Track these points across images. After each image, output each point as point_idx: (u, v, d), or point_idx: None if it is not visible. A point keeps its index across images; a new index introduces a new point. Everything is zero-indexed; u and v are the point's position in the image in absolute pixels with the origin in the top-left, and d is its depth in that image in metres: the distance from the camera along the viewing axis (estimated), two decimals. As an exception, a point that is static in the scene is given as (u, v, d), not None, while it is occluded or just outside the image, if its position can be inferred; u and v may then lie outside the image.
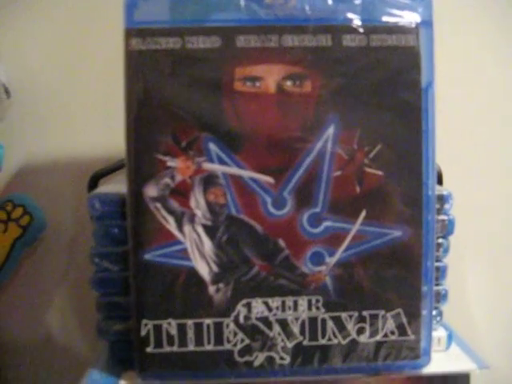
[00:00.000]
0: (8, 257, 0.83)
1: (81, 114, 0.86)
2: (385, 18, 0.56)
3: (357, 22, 0.55)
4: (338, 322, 0.57)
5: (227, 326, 0.57)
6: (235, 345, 0.57)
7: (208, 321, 0.57)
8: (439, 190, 0.60)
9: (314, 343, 0.58)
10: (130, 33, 0.55)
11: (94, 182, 0.73)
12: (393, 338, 0.58)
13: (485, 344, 0.69)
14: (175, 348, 0.57)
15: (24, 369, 0.90)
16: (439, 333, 0.62)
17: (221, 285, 0.56)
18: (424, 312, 0.58)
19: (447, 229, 0.61)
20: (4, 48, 0.82)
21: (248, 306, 0.57)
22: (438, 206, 0.59)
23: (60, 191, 0.87)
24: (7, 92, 0.78)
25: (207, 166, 0.55)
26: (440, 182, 0.71)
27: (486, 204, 0.86)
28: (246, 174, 0.55)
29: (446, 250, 0.61)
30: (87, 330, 0.89)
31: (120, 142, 0.74)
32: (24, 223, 0.83)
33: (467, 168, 0.85)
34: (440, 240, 0.60)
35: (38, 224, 0.84)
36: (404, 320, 0.57)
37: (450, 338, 0.63)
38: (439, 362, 0.60)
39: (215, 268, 0.56)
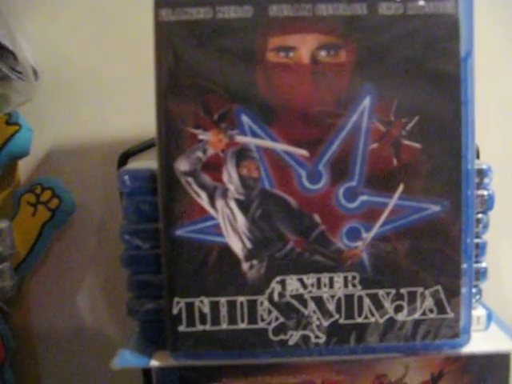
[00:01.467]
0: (37, 240, 0.82)
1: (109, 95, 0.84)
2: (422, -14, 0.53)
3: (393, -11, 0.53)
4: (375, 299, 0.56)
5: (261, 303, 0.55)
6: (269, 323, 0.56)
7: (241, 298, 0.55)
8: (478, 163, 0.58)
9: (350, 321, 0.56)
10: (160, 3, 0.53)
11: (123, 160, 0.72)
12: (431, 316, 0.56)
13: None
14: (208, 327, 0.56)
15: (55, 350, 0.89)
16: (478, 312, 0.61)
17: (254, 261, 0.55)
18: (463, 290, 0.56)
19: (487, 204, 0.59)
20: (31, 29, 0.81)
21: (282, 283, 0.55)
22: (477, 180, 0.57)
23: (89, 173, 0.86)
24: (35, 73, 0.77)
25: (240, 138, 0.53)
26: (477, 156, 0.69)
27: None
28: (280, 146, 0.54)
29: (486, 226, 0.59)
30: (117, 312, 0.89)
31: (149, 124, 0.73)
32: (53, 206, 0.82)
33: (505, 142, 0.83)
34: (479, 215, 0.58)
35: (67, 207, 0.83)
36: (443, 298, 0.56)
37: (489, 317, 0.61)
38: (478, 342, 0.59)
39: (249, 244, 0.54)
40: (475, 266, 0.58)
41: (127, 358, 0.57)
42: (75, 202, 0.83)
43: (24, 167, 0.85)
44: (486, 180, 0.58)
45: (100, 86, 0.84)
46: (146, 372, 0.71)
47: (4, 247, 0.71)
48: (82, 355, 0.90)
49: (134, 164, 0.61)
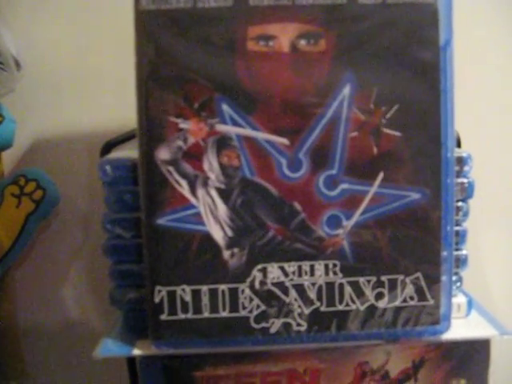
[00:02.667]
0: (22, 232, 0.82)
1: (92, 86, 0.84)
2: (401, -26, 0.53)
3: (372, -22, 0.53)
4: (356, 287, 0.56)
5: (242, 291, 0.56)
6: (251, 311, 0.56)
7: (223, 287, 0.55)
8: (458, 152, 0.58)
9: (331, 309, 0.56)
10: (140, -8, 0.53)
11: (106, 150, 0.72)
12: (412, 303, 0.56)
13: (500, 311, 0.67)
14: (190, 315, 0.56)
15: (40, 341, 0.90)
16: (459, 299, 0.61)
17: (235, 249, 0.55)
18: (444, 277, 0.56)
19: (467, 192, 0.59)
20: (14, 20, 0.81)
21: (264, 270, 0.55)
22: (457, 168, 0.57)
23: (72, 165, 0.86)
24: (17, 64, 0.76)
25: (220, 127, 0.54)
26: (458, 144, 0.70)
27: (504, 167, 0.84)
28: (260, 135, 0.54)
29: (466, 214, 0.60)
30: (102, 303, 0.88)
31: (132, 114, 0.73)
32: (37, 197, 0.82)
33: (485, 130, 0.83)
34: (459, 203, 0.59)
35: (52, 198, 0.82)
36: (423, 285, 0.56)
37: (470, 304, 0.61)
38: (459, 329, 0.59)
39: (230, 232, 0.55)
40: (455, 253, 0.58)
41: (110, 348, 0.58)
42: (59, 194, 0.83)
43: (7, 158, 0.85)
44: (465, 168, 0.59)
45: (83, 77, 0.84)
46: (131, 362, 0.72)
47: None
48: (68, 346, 0.91)
49: (115, 154, 0.61)
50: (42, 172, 0.82)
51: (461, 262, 0.60)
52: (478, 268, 0.64)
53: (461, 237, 0.60)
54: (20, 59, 0.77)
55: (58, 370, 0.91)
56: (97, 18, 0.83)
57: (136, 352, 0.57)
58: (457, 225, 0.59)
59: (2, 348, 0.83)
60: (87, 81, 0.85)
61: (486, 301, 0.65)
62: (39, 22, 0.83)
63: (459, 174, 0.58)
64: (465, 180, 0.59)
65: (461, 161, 0.58)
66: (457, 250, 0.59)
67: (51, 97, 0.85)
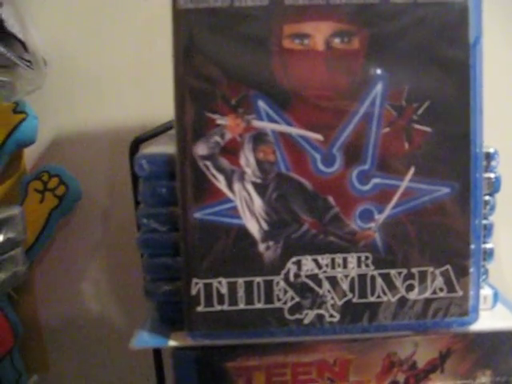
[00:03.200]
0: (45, 227, 0.83)
1: (114, 83, 0.86)
2: (431, -26, 0.55)
3: (404, -23, 0.54)
4: (387, 279, 0.57)
5: (277, 283, 0.57)
6: (285, 303, 0.57)
7: (258, 279, 0.57)
8: (485, 147, 0.59)
9: (363, 300, 0.58)
10: (178, -9, 0.54)
11: (134, 147, 0.73)
12: (441, 294, 0.58)
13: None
14: (225, 307, 0.57)
15: (61, 336, 0.91)
16: (485, 291, 0.63)
17: (271, 242, 0.56)
18: (472, 269, 0.58)
19: (494, 186, 0.60)
20: (39, 17, 0.82)
21: (298, 263, 0.57)
22: (484, 163, 0.59)
23: (94, 161, 0.87)
24: (44, 62, 0.78)
25: (257, 123, 0.55)
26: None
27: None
28: (295, 131, 0.55)
29: (493, 208, 0.61)
30: (122, 298, 0.90)
31: (155, 111, 0.74)
32: (60, 193, 0.83)
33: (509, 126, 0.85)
34: (486, 197, 0.60)
35: (74, 194, 0.84)
36: (452, 277, 0.58)
37: (495, 296, 0.63)
38: (485, 320, 0.60)
39: (265, 226, 0.56)
40: (483, 246, 0.60)
41: (145, 339, 0.59)
42: (81, 189, 0.84)
43: (30, 155, 0.86)
44: (493, 163, 0.60)
45: (104, 73, 0.86)
46: (157, 354, 0.73)
47: (17, 233, 0.72)
48: (89, 340, 0.92)
49: (150, 149, 0.62)
50: (63, 168, 0.83)
51: (487, 254, 0.61)
52: (498, 261, 0.65)
53: (487, 230, 0.61)
54: (46, 57, 0.78)
55: (79, 363, 0.91)
56: (122, 14, 0.83)
57: (172, 343, 0.58)
58: (484, 218, 0.60)
59: (24, 341, 0.84)
60: (108, 77, 0.86)
61: (505, 294, 0.66)
62: (62, 19, 0.84)
63: (486, 168, 0.60)
64: (492, 175, 0.60)
65: (488, 156, 0.60)
66: (483, 243, 0.60)
67: (73, 93, 0.86)
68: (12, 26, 0.75)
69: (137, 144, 0.74)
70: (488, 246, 0.62)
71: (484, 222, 0.60)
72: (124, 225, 0.86)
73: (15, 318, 0.81)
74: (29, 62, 0.77)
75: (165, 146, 0.61)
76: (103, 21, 0.85)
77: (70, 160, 0.86)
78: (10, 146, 0.81)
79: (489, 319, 0.61)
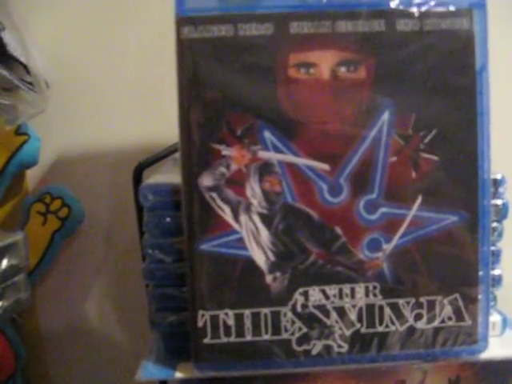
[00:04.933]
0: (47, 249, 0.82)
1: (117, 104, 0.85)
2: (437, 2, 0.54)
3: (410, 6, 0.54)
4: (396, 308, 0.57)
5: (284, 314, 0.56)
6: (293, 334, 0.57)
7: (265, 310, 0.56)
8: (493, 173, 0.59)
9: (371, 330, 0.57)
10: (182, 21, 0.54)
11: (138, 173, 0.73)
12: (450, 323, 0.57)
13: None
14: (232, 338, 0.57)
15: (63, 357, 0.90)
16: (493, 317, 0.62)
17: (278, 273, 0.56)
18: (481, 297, 0.57)
19: (501, 213, 0.60)
20: (41, 38, 0.81)
21: (305, 294, 0.56)
22: (492, 189, 0.58)
23: (96, 182, 0.87)
24: (46, 84, 0.77)
25: (263, 154, 0.55)
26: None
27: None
28: (302, 161, 0.55)
29: (500, 234, 0.61)
30: (125, 319, 0.90)
31: (156, 132, 0.74)
32: (63, 215, 0.83)
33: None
34: (494, 224, 0.60)
35: (77, 216, 0.83)
36: (461, 305, 0.57)
37: (504, 322, 0.62)
38: (494, 347, 0.60)
39: (272, 257, 0.55)
40: (491, 273, 0.59)
41: (151, 371, 0.58)
42: (84, 211, 0.84)
43: (32, 176, 0.85)
44: (500, 189, 0.60)
45: (107, 95, 0.85)
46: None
47: (20, 259, 0.71)
48: (91, 360, 0.91)
49: (154, 178, 0.62)
50: (66, 189, 0.83)
51: (495, 281, 0.61)
52: (506, 286, 0.64)
53: (495, 256, 0.60)
54: (48, 79, 0.77)
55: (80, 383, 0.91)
56: (124, 37, 0.83)
57: (178, 375, 0.57)
58: (492, 245, 0.59)
59: (27, 363, 0.83)
60: (109, 98, 0.85)
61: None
62: (65, 41, 0.83)
63: (494, 195, 0.59)
64: (499, 201, 0.60)
65: (495, 182, 0.59)
66: (491, 269, 0.60)
67: (75, 115, 0.85)
68: (14, 49, 0.75)
69: (140, 169, 0.73)
70: (496, 272, 0.61)
71: (492, 248, 0.60)
72: (126, 246, 0.85)
73: (18, 341, 0.81)
74: (31, 84, 0.76)
75: (169, 175, 0.61)
76: (106, 43, 0.84)
77: (73, 181, 0.86)
78: (12, 168, 0.81)
79: (498, 346, 0.61)
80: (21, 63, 0.76)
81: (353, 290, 0.56)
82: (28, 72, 0.76)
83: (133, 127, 0.85)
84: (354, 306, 0.57)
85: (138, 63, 0.83)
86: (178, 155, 0.57)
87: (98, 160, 0.86)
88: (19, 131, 0.81)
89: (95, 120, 0.86)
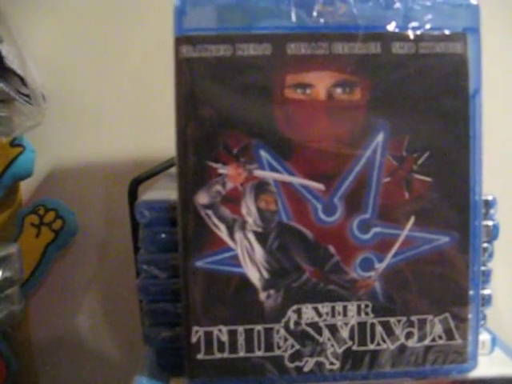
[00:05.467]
0: (41, 261, 0.83)
1: (112, 118, 0.86)
2: (432, 25, 0.55)
3: (406, 29, 0.55)
4: (387, 326, 0.58)
5: (277, 331, 0.57)
6: (285, 350, 0.57)
7: (258, 327, 0.57)
8: (484, 195, 0.60)
9: (363, 348, 0.58)
10: (181, 40, 0.55)
11: (134, 187, 0.73)
12: (440, 342, 0.58)
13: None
14: (226, 354, 0.57)
15: (55, 370, 0.90)
16: (483, 336, 0.63)
17: (271, 291, 0.56)
18: (471, 316, 0.58)
19: (492, 234, 0.61)
20: (38, 51, 0.82)
21: (298, 311, 0.57)
22: (483, 211, 0.59)
23: (90, 195, 0.87)
24: (43, 97, 0.78)
25: (258, 173, 0.55)
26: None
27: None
28: (297, 180, 0.55)
29: (491, 255, 0.62)
30: (117, 333, 0.90)
31: (151, 146, 0.75)
32: (56, 227, 0.83)
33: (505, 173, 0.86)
34: (485, 244, 0.61)
35: (70, 228, 0.84)
36: (451, 324, 0.58)
37: (493, 341, 0.63)
38: (484, 366, 0.61)
39: (266, 274, 0.56)
40: (481, 292, 0.60)
41: (145, 386, 0.59)
42: (78, 224, 0.84)
43: (26, 188, 0.86)
44: (491, 211, 0.61)
45: (103, 109, 0.86)
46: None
47: (14, 272, 0.72)
48: (83, 373, 0.91)
49: (150, 194, 0.63)
50: (60, 202, 0.83)
51: (485, 300, 0.62)
52: (496, 306, 0.65)
53: (486, 276, 0.61)
54: (44, 92, 0.78)
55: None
56: (119, 50, 0.84)
57: (172, 390, 0.58)
58: (482, 265, 0.60)
59: (18, 374, 0.83)
60: (106, 112, 0.86)
61: (503, 338, 0.66)
62: (62, 55, 0.84)
63: (485, 216, 0.60)
64: (490, 222, 0.61)
65: (487, 204, 0.60)
66: (482, 289, 0.61)
67: (71, 127, 0.86)
68: (11, 61, 0.75)
69: (136, 184, 0.73)
70: (486, 291, 0.62)
71: (482, 268, 0.61)
72: (120, 260, 0.86)
73: (9, 352, 0.81)
74: (27, 96, 0.76)
75: (165, 191, 0.61)
76: (104, 58, 0.85)
77: (67, 194, 0.86)
78: (6, 180, 0.82)
79: (487, 365, 0.62)
80: (18, 75, 0.76)
81: (345, 308, 0.57)
82: (25, 84, 0.76)
83: (128, 141, 0.86)
84: (346, 324, 0.57)
85: (135, 78, 0.84)
86: (173, 170, 0.57)
87: (93, 173, 0.86)
88: (14, 143, 0.81)
89: (91, 133, 0.86)
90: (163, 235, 0.59)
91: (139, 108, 0.84)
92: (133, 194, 0.73)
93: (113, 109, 0.86)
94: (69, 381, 0.91)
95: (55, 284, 0.89)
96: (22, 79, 0.77)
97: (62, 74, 0.85)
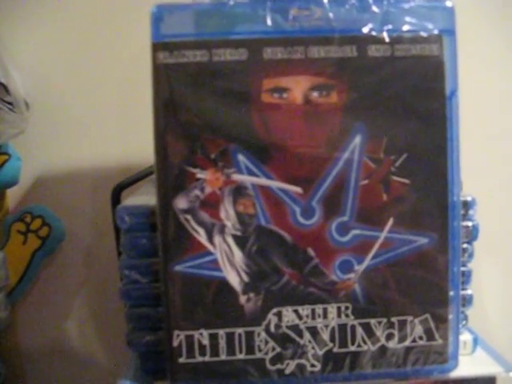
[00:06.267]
0: (28, 268, 0.83)
1: (97, 125, 0.86)
2: (408, 28, 0.56)
3: (381, 32, 0.55)
4: (367, 328, 0.58)
5: (258, 334, 0.57)
6: (266, 353, 0.58)
7: (239, 330, 0.57)
8: (463, 196, 0.60)
9: (343, 350, 0.58)
10: (158, 46, 0.55)
11: (116, 193, 0.73)
12: (421, 343, 0.58)
13: (503, 349, 0.69)
14: (207, 358, 0.58)
15: (43, 376, 0.91)
16: (465, 337, 0.63)
17: (251, 294, 0.57)
18: (451, 317, 0.58)
19: (472, 234, 0.61)
20: (21, 59, 0.82)
21: (279, 314, 0.57)
22: (462, 212, 0.59)
23: (76, 201, 0.87)
24: (27, 105, 0.78)
25: (236, 177, 0.56)
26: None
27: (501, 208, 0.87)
28: (275, 184, 0.56)
29: (471, 255, 0.62)
30: (105, 338, 0.90)
31: (136, 152, 0.75)
32: (43, 234, 0.83)
33: (486, 174, 0.86)
34: (465, 245, 0.61)
35: (57, 235, 0.84)
36: (432, 325, 0.58)
37: (475, 341, 0.63)
38: (465, 366, 0.61)
39: (246, 278, 0.56)
40: (461, 293, 0.60)
41: (128, 390, 0.59)
42: (65, 230, 0.84)
43: (12, 195, 0.86)
44: (470, 212, 0.61)
45: (86, 116, 0.86)
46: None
47: (-1, 278, 0.72)
48: (71, 379, 0.92)
49: (131, 200, 0.63)
50: (47, 209, 0.83)
51: (466, 301, 0.62)
52: (480, 306, 0.66)
53: (466, 277, 0.62)
54: (28, 100, 0.78)
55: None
56: (103, 57, 0.84)
57: (154, 394, 0.58)
58: (462, 266, 0.61)
59: (6, 381, 0.83)
60: (91, 119, 0.86)
61: (487, 338, 0.67)
62: (46, 62, 0.84)
63: (464, 217, 0.60)
64: (470, 223, 0.61)
65: (466, 204, 0.60)
66: (462, 289, 0.61)
67: (56, 134, 0.86)
68: (-6, 69, 0.75)
69: (119, 190, 0.74)
70: (467, 292, 0.62)
71: (463, 269, 0.61)
72: (107, 266, 0.86)
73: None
74: (11, 104, 0.77)
75: (146, 196, 0.62)
76: (86, 65, 0.85)
77: (53, 201, 0.86)
78: (-8, 187, 0.81)
79: (469, 364, 0.62)
80: (1, 84, 0.76)
81: (325, 311, 0.57)
82: (8, 92, 0.77)
83: (114, 147, 0.86)
84: (326, 326, 0.58)
85: (118, 85, 0.84)
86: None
87: (79, 180, 0.87)
88: (0, 151, 0.81)
89: (76, 140, 0.86)
90: (143, 240, 0.59)
91: (124, 114, 0.84)
92: (116, 200, 0.73)
93: (98, 115, 0.87)
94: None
95: (43, 290, 0.89)
96: (5, 87, 0.77)
97: (46, 81, 0.85)
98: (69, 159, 0.87)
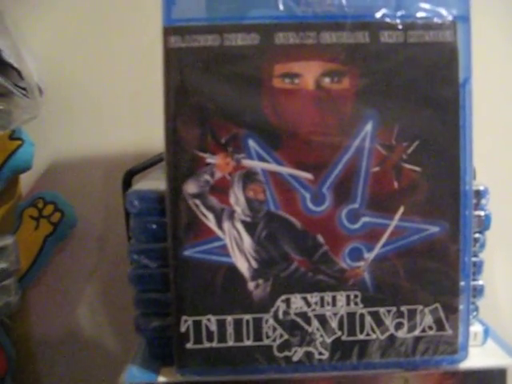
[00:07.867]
0: (39, 253, 0.83)
1: (110, 111, 0.86)
2: (421, 14, 0.55)
3: (394, 18, 0.55)
4: (377, 317, 0.58)
5: (266, 321, 0.57)
6: (274, 340, 0.57)
7: (247, 316, 0.57)
8: (476, 185, 0.60)
9: (352, 338, 0.58)
10: (169, 31, 0.55)
11: (127, 179, 0.73)
12: (431, 333, 0.58)
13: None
14: (214, 344, 0.57)
15: (54, 362, 0.91)
16: (475, 328, 0.63)
17: (260, 281, 0.56)
18: (461, 307, 0.58)
19: (484, 224, 0.61)
20: (34, 44, 0.82)
21: (287, 301, 0.57)
22: (474, 201, 0.59)
23: (89, 187, 0.87)
24: (40, 90, 0.78)
25: (246, 162, 0.55)
26: (474, 177, 0.71)
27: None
28: (285, 170, 0.55)
29: (483, 245, 0.61)
30: (116, 325, 0.90)
31: (149, 139, 0.75)
32: (55, 220, 0.83)
33: (498, 163, 0.85)
34: (476, 235, 0.60)
35: (69, 221, 0.84)
36: (442, 315, 0.58)
37: (486, 332, 0.63)
38: (475, 357, 0.61)
39: (254, 264, 0.56)
40: (472, 283, 0.60)
41: (135, 374, 0.59)
42: (76, 216, 0.84)
43: (25, 181, 0.86)
44: (483, 201, 0.60)
45: (100, 101, 0.86)
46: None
47: (9, 263, 0.72)
48: (82, 365, 0.92)
49: (141, 184, 0.63)
50: (59, 195, 0.83)
51: (477, 291, 0.61)
52: (492, 297, 0.65)
53: (477, 267, 0.61)
54: (41, 85, 0.78)
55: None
56: (117, 42, 0.84)
57: (161, 379, 0.58)
58: (474, 256, 0.60)
59: (18, 367, 0.84)
60: (104, 105, 0.86)
61: (499, 329, 0.66)
62: (59, 47, 0.84)
63: (476, 206, 0.60)
64: (482, 213, 0.60)
65: (478, 194, 0.60)
66: (473, 280, 0.60)
67: (69, 120, 0.86)
68: (8, 55, 0.75)
69: (130, 176, 0.74)
70: (478, 282, 0.61)
71: (474, 259, 0.60)
72: (119, 251, 0.86)
73: (9, 344, 0.81)
74: (24, 89, 0.77)
75: (156, 181, 0.61)
76: (100, 50, 0.85)
77: (66, 187, 0.86)
78: (5, 173, 0.82)
79: (480, 356, 0.61)
80: (14, 69, 0.77)
81: (334, 298, 0.57)
82: (22, 77, 0.77)
83: (127, 133, 0.86)
84: (335, 314, 0.57)
85: (132, 70, 0.84)
86: (165, 162, 0.57)
87: (91, 165, 0.87)
88: (13, 136, 0.82)
89: (90, 126, 0.86)
90: (153, 225, 0.59)
91: (138, 100, 0.84)
92: (127, 186, 0.73)
93: (112, 102, 0.87)
94: (68, 371, 0.92)
95: (54, 276, 0.90)
96: (18, 73, 0.77)
97: (60, 67, 0.85)
98: (82, 145, 0.87)
